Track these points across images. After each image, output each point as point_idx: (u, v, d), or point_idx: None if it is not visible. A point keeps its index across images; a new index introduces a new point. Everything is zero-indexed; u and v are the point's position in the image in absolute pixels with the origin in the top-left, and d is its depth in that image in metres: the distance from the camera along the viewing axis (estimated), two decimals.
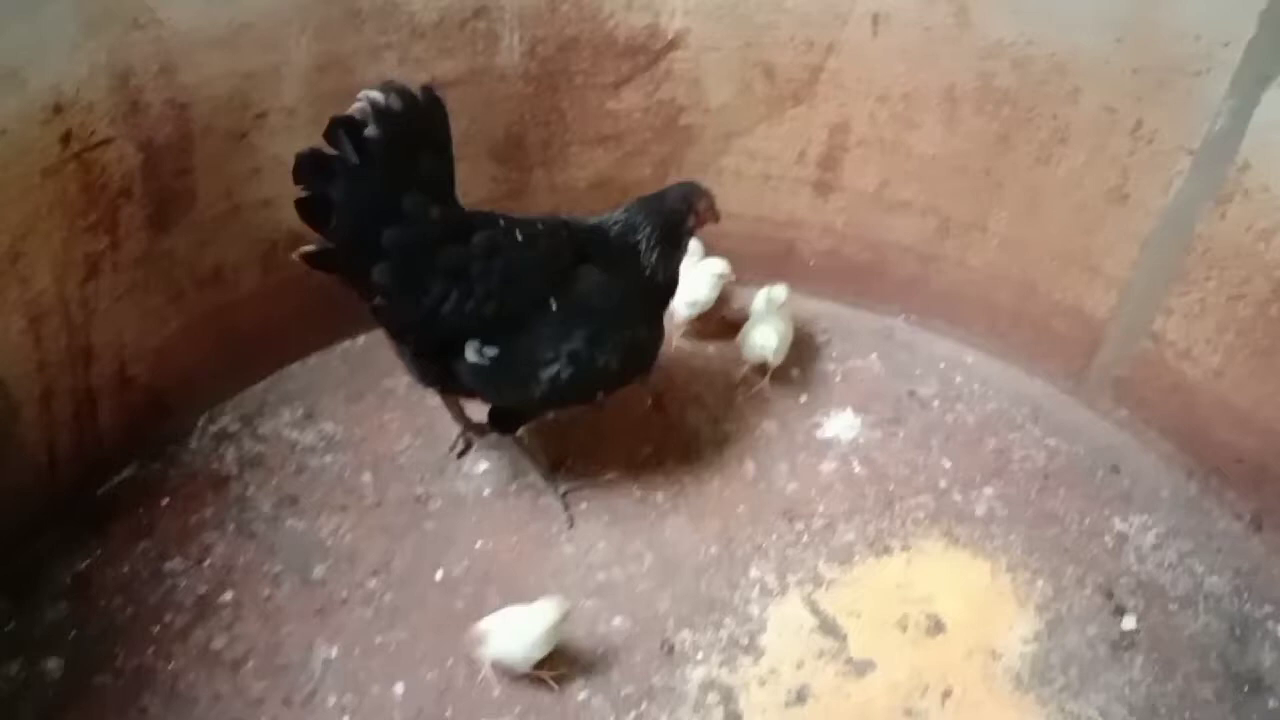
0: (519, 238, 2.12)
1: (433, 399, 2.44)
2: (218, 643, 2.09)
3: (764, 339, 2.58)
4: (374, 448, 2.48)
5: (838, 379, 2.73)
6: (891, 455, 2.55)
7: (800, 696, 2.07)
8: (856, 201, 2.69)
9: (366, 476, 2.42)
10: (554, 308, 2.14)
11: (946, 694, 2.09)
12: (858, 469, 2.51)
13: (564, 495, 2.40)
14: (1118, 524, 2.42)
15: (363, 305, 2.60)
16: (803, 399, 2.67)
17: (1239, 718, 2.08)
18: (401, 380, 2.63)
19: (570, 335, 2.14)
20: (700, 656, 2.13)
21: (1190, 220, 2.24)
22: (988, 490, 2.47)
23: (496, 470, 2.46)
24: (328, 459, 2.45)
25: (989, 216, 2.55)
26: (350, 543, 2.29)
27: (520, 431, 2.38)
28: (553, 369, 2.14)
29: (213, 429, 2.49)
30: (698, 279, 2.67)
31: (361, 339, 2.73)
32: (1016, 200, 2.49)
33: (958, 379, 2.74)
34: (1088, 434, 2.61)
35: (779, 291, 2.61)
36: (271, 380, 2.61)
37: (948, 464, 2.53)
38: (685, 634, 2.16)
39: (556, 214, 2.32)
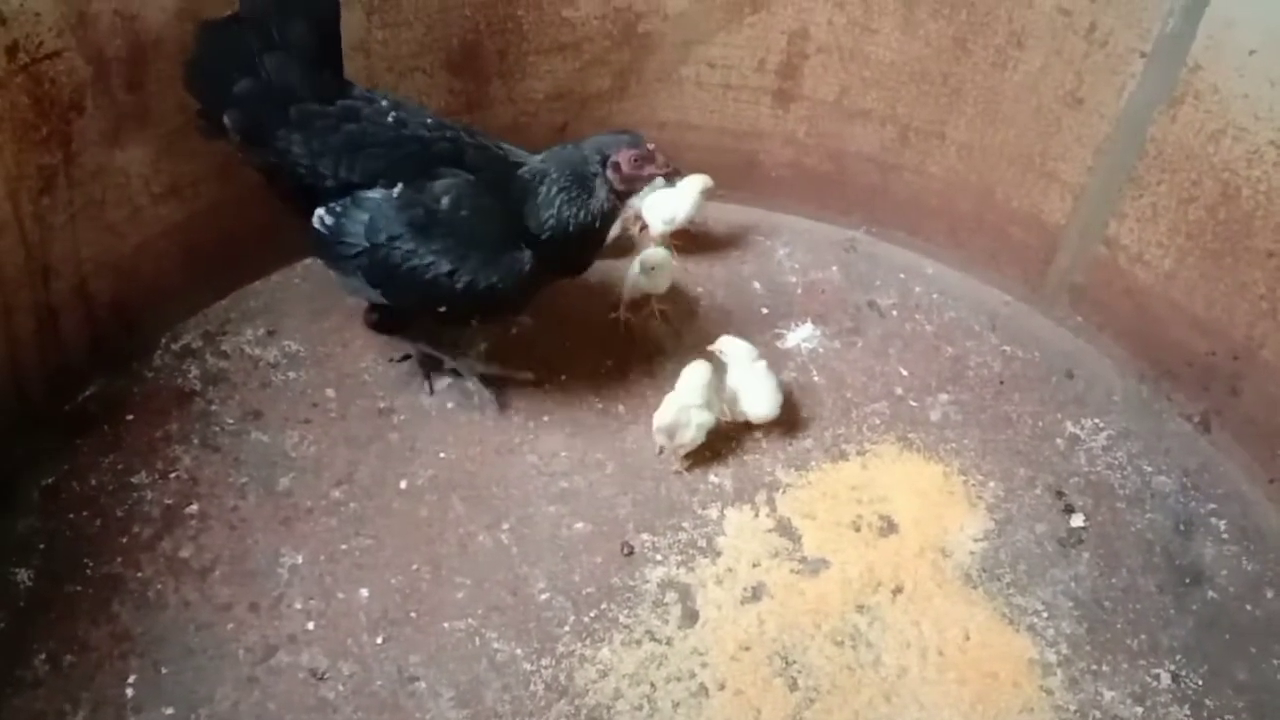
0: (390, 118, 2.18)
1: None
2: (185, 552, 2.14)
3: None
4: (337, 364, 2.50)
5: (799, 291, 2.76)
6: (849, 364, 2.58)
7: (755, 594, 2.13)
8: (817, 111, 2.69)
9: (330, 392, 2.44)
10: (396, 193, 2.13)
11: (897, 590, 2.15)
12: (816, 378, 2.54)
13: (482, 376, 2.43)
14: (1070, 427, 2.47)
15: None
16: (764, 311, 2.70)
17: (1180, 608, 2.15)
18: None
19: (403, 220, 2.12)
20: (659, 558, 2.18)
21: (1143, 124, 2.26)
22: (943, 397, 2.52)
23: (459, 385, 2.48)
24: (291, 375, 2.47)
25: (947, 123, 2.56)
26: (314, 454, 2.32)
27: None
28: (362, 260, 2.16)
29: (176, 346, 2.50)
30: (679, 195, 2.66)
31: None
32: (974, 106, 2.50)
33: (917, 289, 2.76)
34: (1044, 341, 2.65)
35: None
36: (234, 297, 2.62)
37: (905, 372, 2.57)
38: (645, 537, 2.22)
39: (491, 135, 2.28)
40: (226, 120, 2.13)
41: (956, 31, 2.39)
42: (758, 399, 2.34)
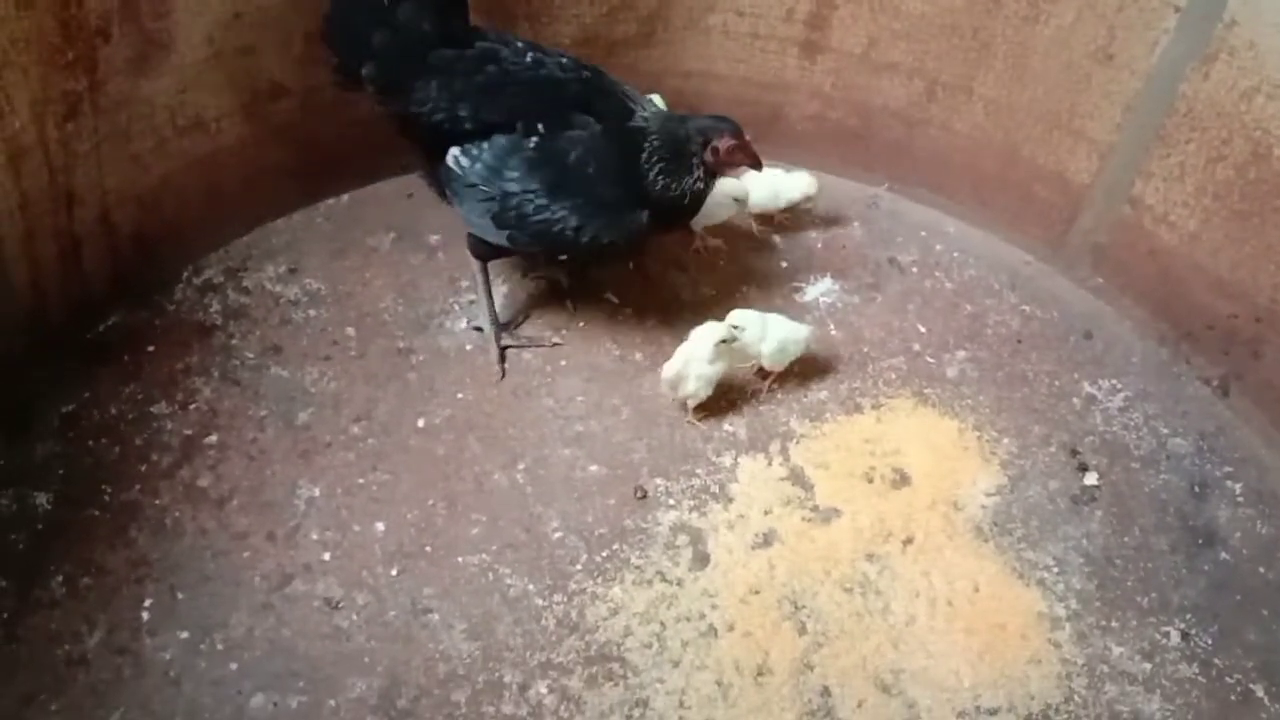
0: (528, 59, 2.23)
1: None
2: (203, 481, 2.16)
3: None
4: (357, 303, 2.51)
5: (819, 246, 2.75)
6: (868, 319, 2.58)
7: (767, 540, 2.14)
8: (844, 63, 2.66)
9: (350, 330, 2.46)
10: (532, 144, 2.18)
11: (908, 541, 2.16)
12: (834, 331, 2.54)
13: (503, 349, 2.43)
14: (1087, 387, 2.46)
15: (346, 161, 2.64)
16: (783, 264, 2.69)
17: (1191, 568, 2.16)
18: (385, 239, 2.66)
19: (538, 175, 2.17)
20: (672, 502, 2.20)
21: (1174, 81, 2.23)
22: (960, 354, 2.51)
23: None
24: (311, 313, 2.48)
25: (975, 78, 2.53)
26: (334, 390, 2.33)
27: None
28: (493, 205, 2.19)
29: (198, 280, 2.51)
30: (789, 183, 2.67)
31: (346, 197, 2.74)
32: (1004, 61, 2.47)
33: (938, 247, 2.75)
34: (1064, 301, 2.63)
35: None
36: (256, 234, 2.63)
37: (923, 329, 2.56)
38: (658, 481, 2.23)
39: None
40: (365, 73, 2.17)
41: None
42: (787, 331, 2.34)
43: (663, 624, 2.01)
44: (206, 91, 2.37)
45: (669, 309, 2.56)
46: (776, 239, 2.71)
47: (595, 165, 2.20)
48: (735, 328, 2.25)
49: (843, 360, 2.48)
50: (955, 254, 2.73)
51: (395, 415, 2.30)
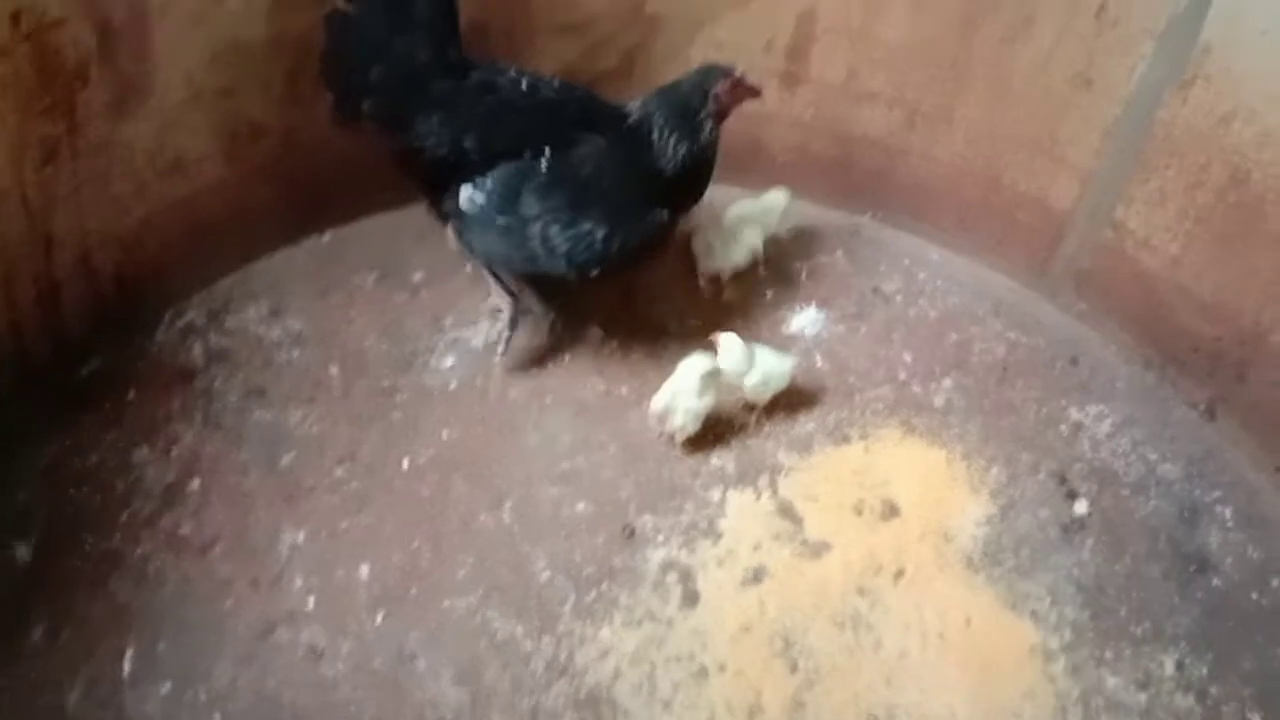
0: (523, 86, 2.25)
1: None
2: (185, 528, 2.13)
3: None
4: (341, 343, 2.49)
5: (803, 276, 2.74)
6: (853, 349, 2.57)
7: (757, 576, 2.12)
8: (824, 94, 2.67)
9: (333, 370, 2.44)
10: (544, 167, 2.20)
11: (899, 574, 2.14)
12: (820, 363, 2.53)
13: (512, 324, 2.44)
14: (1074, 414, 2.45)
15: (328, 199, 2.64)
16: (768, 295, 2.68)
17: (1184, 595, 2.14)
18: (369, 277, 2.64)
19: (556, 195, 2.19)
20: (660, 539, 2.17)
21: (1152, 106, 2.24)
22: (946, 382, 2.50)
23: (464, 365, 2.47)
24: (294, 353, 2.46)
25: (955, 106, 2.54)
26: (317, 433, 2.31)
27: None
28: (536, 226, 2.20)
29: (179, 323, 2.49)
30: (763, 211, 2.69)
31: (328, 235, 2.74)
32: (982, 88, 2.48)
33: (921, 275, 2.75)
34: (1048, 327, 2.63)
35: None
36: (238, 275, 2.61)
37: (908, 357, 2.56)
38: (646, 518, 2.21)
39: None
40: (365, 109, 2.18)
41: (966, 9, 2.37)
42: (771, 363, 2.34)
43: (653, 665, 1.98)
44: (186, 133, 2.36)
45: (655, 341, 2.54)
46: (761, 270, 2.71)
47: (609, 175, 2.24)
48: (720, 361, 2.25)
49: (829, 391, 2.47)
50: (939, 282, 2.73)
51: (380, 456, 2.28)
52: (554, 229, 2.21)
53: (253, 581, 2.06)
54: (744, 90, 2.32)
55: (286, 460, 2.26)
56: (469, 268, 2.60)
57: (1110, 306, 2.55)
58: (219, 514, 2.16)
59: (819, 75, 2.64)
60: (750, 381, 2.30)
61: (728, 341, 2.28)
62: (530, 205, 2.21)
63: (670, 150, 2.28)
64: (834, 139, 2.74)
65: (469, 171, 2.23)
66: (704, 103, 2.28)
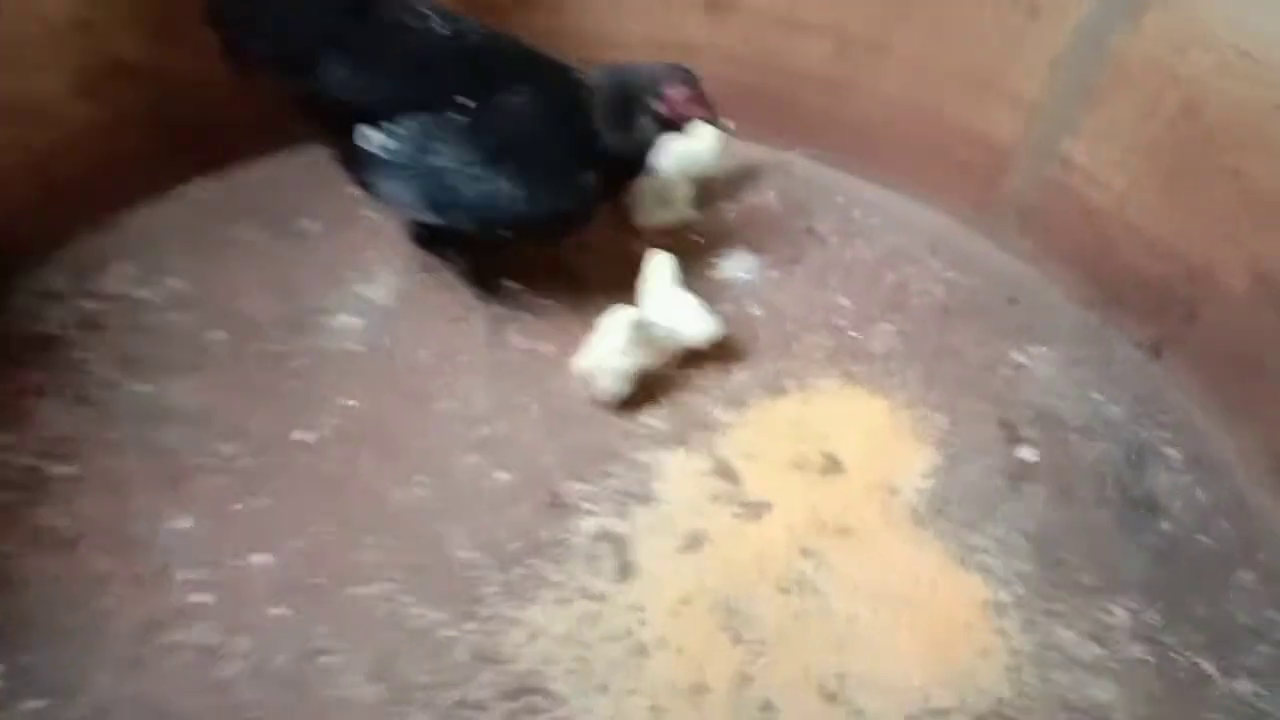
0: (444, 30, 2.00)
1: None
2: (53, 521, 1.88)
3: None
4: (225, 304, 2.24)
5: (733, 217, 2.58)
6: (788, 295, 2.42)
7: (695, 541, 1.98)
8: (754, 21, 2.48)
9: (218, 334, 2.19)
10: (463, 115, 1.97)
11: (844, 531, 2.02)
12: (754, 310, 2.38)
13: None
14: (1016, 356, 2.35)
15: (206, 143, 2.38)
16: (698, 239, 2.51)
17: (1135, 540, 2.07)
18: (254, 229, 2.39)
19: (472, 146, 1.97)
20: (590, 507, 2.01)
21: (1105, 33, 2.10)
22: (886, 327, 2.38)
23: (366, 324, 2.25)
24: (173, 317, 2.20)
25: (894, 35, 2.38)
26: (202, 406, 2.07)
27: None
28: (425, 183, 1.99)
29: (38, 287, 2.20)
30: (698, 147, 2.52)
31: (208, 184, 2.46)
32: (922, 16, 2.32)
33: (856, 213, 2.61)
34: (989, 266, 2.52)
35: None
36: (103, 231, 2.32)
37: (845, 302, 2.42)
38: (574, 485, 2.04)
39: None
40: (258, 52, 1.92)
41: None
42: (693, 318, 2.18)
43: (587, 646, 1.82)
44: (37, 72, 2.07)
45: (577, 294, 2.36)
46: (691, 211, 2.52)
47: (535, 129, 2.02)
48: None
49: (764, 340, 2.31)
50: (875, 221, 2.59)
51: (274, 430, 2.05)
52: (466, 182, 2.00)
53: (133, 577, 1.82)
54: (698, 108, 2.12)
55: (168, 438, 2.01)
56: (369, 214, 2.37)
57: (1053, 244, 2.44)
58: (92, 502, 1.91)
59: (750, 3, 2.44)
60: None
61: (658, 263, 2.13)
62: (443, 155, 1.98)
63: (603, 128, 2.09)
64: (764, 71, 2.55)
65: (379, 117, 1.99)
66: (651, 97, 2.09)
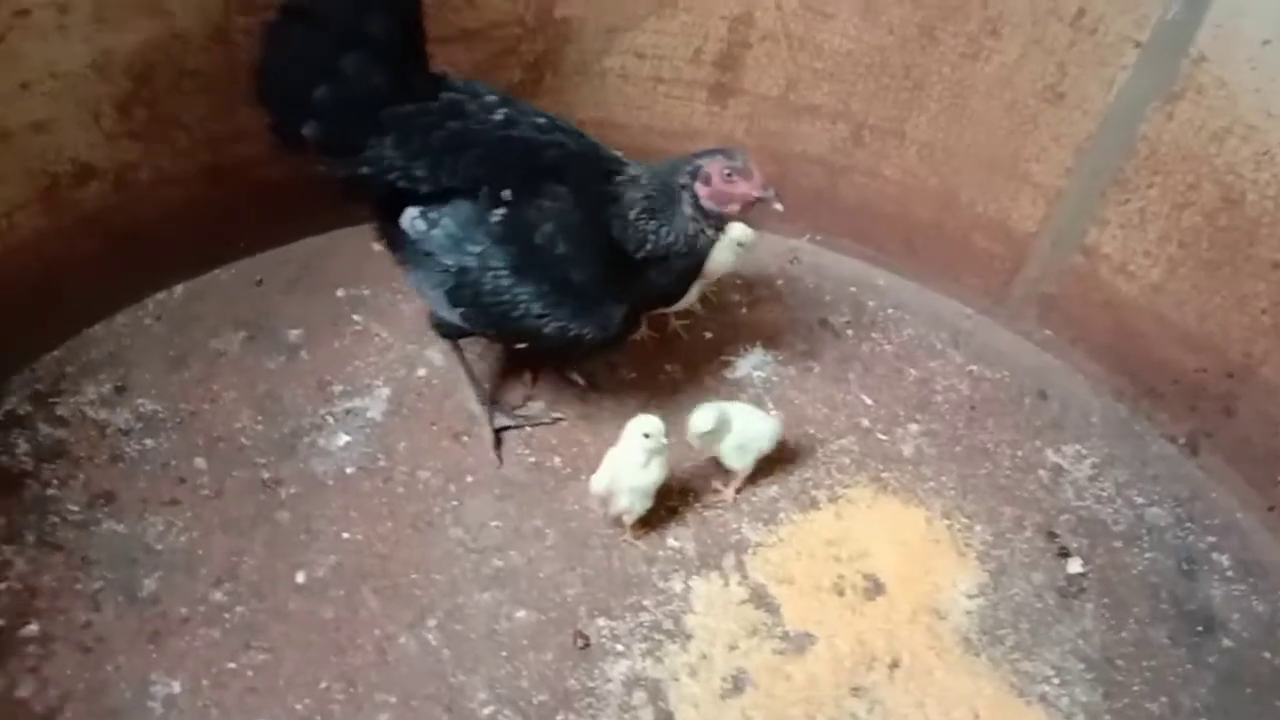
0: (499, 115, 1.88)
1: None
2: (23, 689, 1.68)
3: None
4: (205, 425, 2.06)
5: (743, 311, 2.45)
6: (808, 394, 2.29)
7: (737, 684, 1.82)
8: (759, 107, 2.37)
9: (199, 461, 2.00)
10: (498, 214, 1.83)
11: (894, 664, 1.88)
12: (774, 412, 2.24)
13: (497, 431, 2.12)
14: (1051, 455, 2.25)
15: (175, 247, 2.22)
16: (708, 335, 2.38)
17: (1196, 661, 1.95)
18: (233, 339, 2.22)
19: (502, 251, 1.83)
20: (620, 648, 1.85)
21: (1134, 121, 2.02)
22: (913, 427, 2.26)
23: (360, 443, 2.07)
24: (148, 443, 2.01)
25: (907, 121, 2.28)
26: (186, 546, 1.88)
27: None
28: (448, 279, 1.86)
29: None
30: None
31: (179, 289, 2.29)
32: (939, 102, 2.23)
33: (870, 303, 2.49)
34: (1011, 358, 2.42)
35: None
36: (69, 346, 2.14)
37: (868, 400, 2.30)
38: (601, 622, 1.88)
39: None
40: (306, 133, 1.82)
41: (924, 18, 2.11)
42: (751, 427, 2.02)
43: None
44: None
45: (585, 400, 2.21)
46: (698, 306, 2.39)
47: (567, 242, 1.84)
48: (647, 435, 1.88)
49: (788, 446, 2.17)
50: (889, 310, 2.48)
51: (267, 571, 1.87)
52: (488, 286, 1.85)
53: None
54: (742, 181, 1.85)
55: (149, 585, 1.82)
56: (356, 317, 2.22)
57: (1077, 335, 2.35)
58: (67, 665, 1.71)
59: (754, 86, 2.34)
60: (726, 448, 1.99)
61: (702, 419, 1.95)
62: (473, 253, 1.84)
63: (636, 225, 1.87)
64: (769, 156, 2.42)
65: (422, 201, 1.86)
66: (691, 182, 1.85)
